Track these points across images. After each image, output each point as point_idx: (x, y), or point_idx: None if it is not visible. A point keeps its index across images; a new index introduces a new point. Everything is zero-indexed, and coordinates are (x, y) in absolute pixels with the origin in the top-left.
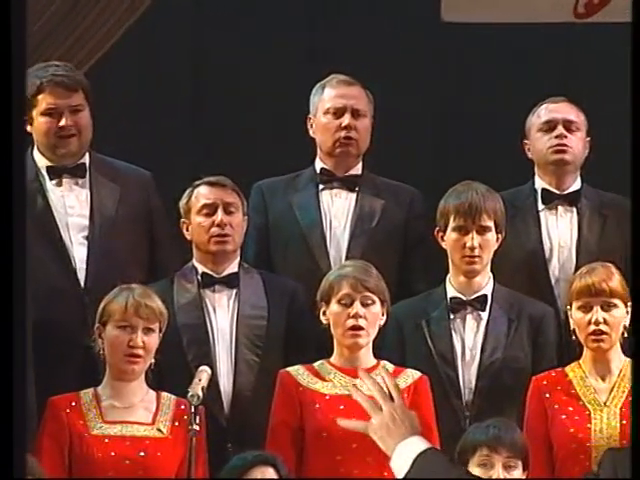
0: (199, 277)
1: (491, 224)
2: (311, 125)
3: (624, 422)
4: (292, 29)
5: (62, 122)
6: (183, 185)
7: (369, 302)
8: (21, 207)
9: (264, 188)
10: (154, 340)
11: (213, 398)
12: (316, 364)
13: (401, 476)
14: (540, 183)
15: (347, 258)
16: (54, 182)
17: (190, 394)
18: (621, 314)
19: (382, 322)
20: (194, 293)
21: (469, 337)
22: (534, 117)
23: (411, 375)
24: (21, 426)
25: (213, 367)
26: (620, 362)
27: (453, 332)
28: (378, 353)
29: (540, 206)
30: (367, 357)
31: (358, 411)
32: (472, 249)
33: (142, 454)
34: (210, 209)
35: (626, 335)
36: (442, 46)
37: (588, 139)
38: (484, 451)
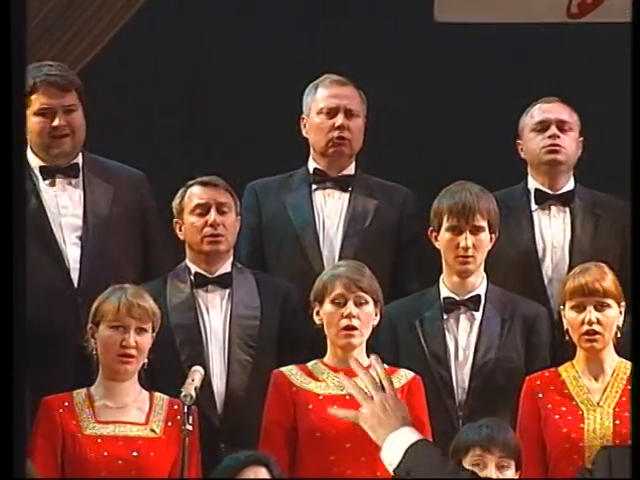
0: (192, 277)
1: (485, 224)
2: (304, 125)
3: (617, 422)
4: (289, 29)
5: (55, 122)
6: (176, 185)
7: (362, 302)
8: (21, 207)
9: (257, 188)
10: (147, 340)
11: (206, 398)
12: (309, 364)
13: (392, 467)
14: (533, 183)
15: (340, 258)
16: (47, 182)
17: (183, 394)
18: (614, 314)
19: (375, 322)
20: (187, 293)
21: (462, 337)
22: (527, 117)
23: (404, 375)
24: (21, 426)
25: (206, 367)
26: (613, 362)
27: (446, 332)
28: (372, 353)
29: (533, 206)
30: (361, 357)
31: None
32: (466, 249)
33: (135, 454)
34: (203, 209)
35: (619, 335)
36: (435, 46)
37: (581, 139)
38: (477, 451)
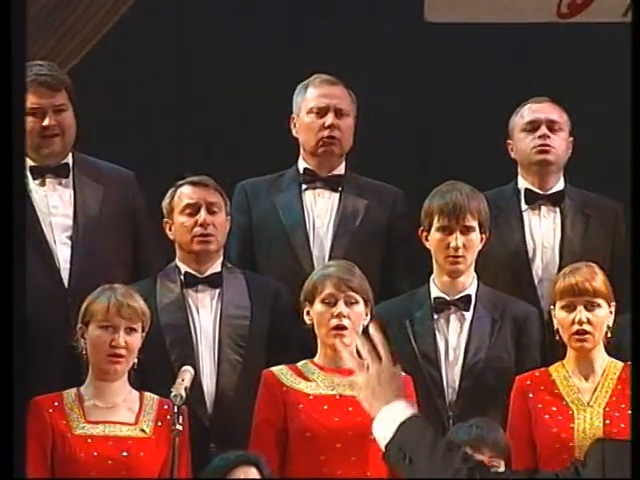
0: (182, 277)
1: (475, 224)
2: (294, 125)
3: (607, 422)
4: (279, 30)
5: (45, 122)
6: (166, 185)
7: (353, 302)
8: (21, 207)
9: (247, 188)
10: (136, 340)
11: (196, 398)
12: (300, 364)
13: (384, 442)
14: (523, 183)
15: (330, 258)
16: (37, 182)
17: (173, 394)
18: (604, 314)
19: (366, 322)
20: (177, 293)
21: (453, 337)
22: (517, 117)
23: None
24: (21, 426)
25: (196, 367)
26: (604, 362)
27: (437, 332)
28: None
29: (523, 206)
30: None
31: (342, 411)
32: (456, 249)
33: (125, 454)
34: (193, 209)
35: (609, 335)
36: (425, 46)
37: (571, 139)
38: (467, 451)
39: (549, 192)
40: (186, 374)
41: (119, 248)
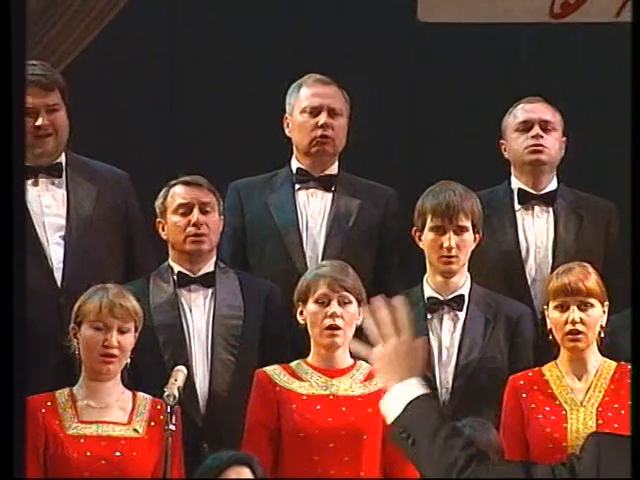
0: (175, 277)
1: (468, 224)
2: (287, 124)
3: (601, 422)
4: (273, 29)
5: (38, 122)
6: (159, 185)
7: (346, 302)
8: (21, 207)
9: (240, 188)
10: (129, 340)
11: (189, 398)
12: (293, 364)
13: (390, 419)
14: (516, 183)
15: (323, 258)
16: (30, 182)
17: (166, 394)
18: (598, 314)
19: (359, 322)
20: (170, 293)
21: (446, 337)
22: (510, 117)
23: None
24: (21, 426)
25: (189, 367)
26: (597, 362)
27: (430, 332)
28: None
29: (516, 206)
30: (344, 357)
31: (335, 411)
32: (449, 249)
33: (118, 454)
34: (186, 209)
35: (603, 335)
36: (418, 46)
37: (564, 139)
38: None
39: (542, 192)
40: (179, 374)
41: (112, 248)
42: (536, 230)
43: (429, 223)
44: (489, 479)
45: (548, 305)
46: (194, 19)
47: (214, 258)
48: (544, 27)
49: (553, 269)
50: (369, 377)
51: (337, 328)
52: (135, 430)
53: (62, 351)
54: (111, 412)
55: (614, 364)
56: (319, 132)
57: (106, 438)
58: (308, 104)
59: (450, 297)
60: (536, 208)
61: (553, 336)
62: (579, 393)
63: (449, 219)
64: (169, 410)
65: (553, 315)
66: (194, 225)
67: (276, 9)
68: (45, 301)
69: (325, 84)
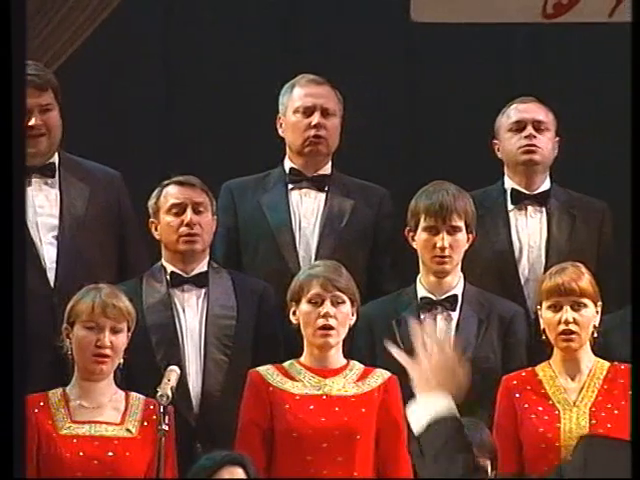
0: (168, 277)
1: (462, 224)
2: (280, 125)
3: (594, 422)
4: (266, 29)
5: (31, 121)
6: (152, 185)
7: (339, 302)
8: (21, 207)
9: (233, 188)
10: (122, 340)
11: (182, 398)
12: (286, 364)
13: (414, 431)
14: (510, 183)
15: (316, 258)
16: None
17: (159, 394)
18: (591, 314)
19: (352, 322)
20: (163, 293)
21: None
22: (503, 117)
23: (381, 375)
24: (21, 426)
25: (182, 367)
26: (590, 362)
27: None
28: (349, 352)
29: (510, 206)
30: (337, 357)
31: (328, 411)
32: (442, 249)
33: (111, 454)
34: (179, 209)
35: (596, 335)
36: (412, 46)
37: (557, 139)
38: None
39: (535, 192)
40: (172, 374)
41: (105, 248)
42: (529, 230)
43: (422, 223)
44: None
45: (541, 305)
46: (189, 18)
47: (207, 258)
48: (540, 27)
49: (546, 269)
50: (362, 377)
51: (330, 328)
52: (128, 430)
53: (55, 351)
54: (104, 412)
55: (607, 364)
56: (312, 132)
57: (99, 438)
58: (301, 104)
59: (443, 297)
60: (529, 208)
61: (546, 336)
62: (572, 393)
63: (442, 219)
64: (162, 410)
65: (546, 315)
66: (187, 225)
67: (270, 9)
68: (38, 301)
69: (318, 84)
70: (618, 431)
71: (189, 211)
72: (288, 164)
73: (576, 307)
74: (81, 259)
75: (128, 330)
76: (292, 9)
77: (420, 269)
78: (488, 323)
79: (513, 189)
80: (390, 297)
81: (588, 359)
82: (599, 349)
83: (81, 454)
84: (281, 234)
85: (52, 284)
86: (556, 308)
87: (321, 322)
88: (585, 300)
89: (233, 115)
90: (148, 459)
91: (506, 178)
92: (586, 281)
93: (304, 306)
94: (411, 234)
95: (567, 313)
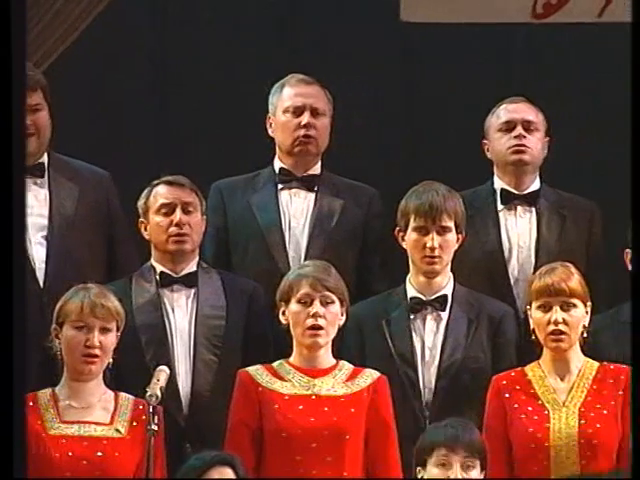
0: (157, 277)
1: (451, 224)
2: (270, 124)
3: (583, 422)
4: (257, 29)
5: None
6: (142, 185)
7: (329, 302)
8: (21, 207)
9: (222, 188)
10: (111, 340)
11: (171, 398)
12: (275, 364)
13: None
14: (499, 183)
15: (306, 258)
16: None
17: (149, 394)
18: (580, 314)
19: (341, 322)
20: (152, 293)
21: (429, 337)
22: (493, 117)
23: (370, 375)
24: (21, 426)
25: (172, 367)
26: (579, 362)
27: (413, 332)
28: (338, 352)
29: (499, 206)
30: (326, 357)
31: (318, 411)
32: (432, 249)
33: (100, 454)
34: (168, 209)
35: (585, 335)
36: (401, 46)
37: (547, 139)
38: (442, 451)
39: (525, 192)
40: (161, 374)
41: (94, 248)
42: (519, 230)
43: (412, 223)
44: None
45: (531, 305)
46: (180, 20)
47: (196, 258)
48: (527, 27)
49: (536, 269)
50: (351, 377)
51: (319, 328)
52: (117, 430)
53: (44, 351)
54: (93, 412)
55: (596, 364)
56: (302, 132)
57: (88, 438)
58: (291, 104)
59: (433, 297)
60: (519, 208)
61: (536, 336)
62: (562, 393)
63: (432, 219)
64: (151, 410)
65: (536, 315)
66: (176, 225)
67: (260, 9)
68: (28, 301)
69: (308, 84)
70: (607, 431)
71: (178, 211)
72: (278, 164)
73: (565, 307)
74: (70, 259)
75: (117, 330)
76: (282, 9)
77: (410, 269)
78: (478, 323)
79: (503, 189)
80: (380, 297)
81: (577, 359)
82: (588, 349)
83: (70, 454)
84: (271, 234)
85: (41, 284)
86: (546, 308)
87: (310, 322)
88: (574, 300)
89: (223, 115)
90: (137, 459)
91: (496, 178)
92: (576, 281)
93: (293, 306)
94: (401, 234)
95: (557, 313)
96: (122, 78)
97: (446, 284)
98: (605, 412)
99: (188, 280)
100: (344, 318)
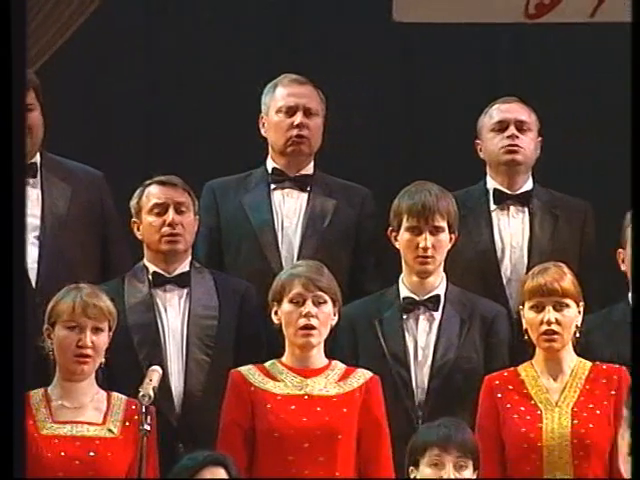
0: (150, 277)
1: (444, 224)
2: (263, 124)
3: (576, 422)
4: (249, 29)
5: None
6: (134, 185)
7: (321, 301)
8: (21, 206)
9: (215, 188)
10: (103, 340)
11: (164, 398)
12: (267, 364)
13: None
14: (492, 183)
15: (299, 258)
16: None
17: (141, 394)
18: (573, 314)
19: (334, 322)
20: (145, 293)
21: (422, 337)
22: (486, 117)
23: (362, 375)
24: (21, 426)
25: (164, 367)
26: (572, 362)
27: (406, 332)
28: (331, 352)
29: (492, 206)
30: (319, 357)
31: (310, 411)
32: (425, 249)
33: (92, 454)
34: (161, 209)
35: (578, 335)
36: (393, 46)
37: (540, 139)
38: (435, 451)
39: (517, 192)
40: (154, 374)
41: (87, 248)
42: (511, 230)
43: (405, 223)
44: None
45: (524, 305)
46: (170, 19)
47: (189, 258)
48: (519, 27)
49: (528, 269)
50: (344, 377)
51: (312, 328)
52: (110, 430)
53: (37, 351)
54: (85, 412)
55: (589, 364)
56: (295, 132)
57: (80, 438)
58: (284, 104)
59: (426, 297)
60: (511, 208)
61: (528, 336)
62: (554, 393)
63: (425, 219)
64: (144, 410)
65: (528, 315)
66: (169, 225)
67: (251, 9)
68: None
69: (300, 84)
70: (600, 431)
71: (171, 211)
72: (270, 164)
73: (558, 307)
74: (63, 259)
75: (109, 330)
76: (274, 9)
77: (403, 269)
78: (470, 323)
79: (495, 189)
80: (372, 297)
81: (570, 359)
82: (581, 349)
83: (63, 454)
84: (263, 234)
85: (34, 284)
86: (538, 308)
87: (302, 322)
88: (567, 300)
89: (215, 115)
90: (130, 459)
91: (488, 178)
92: (568, 281)
93: (286, 306)
94: (394, 234)
95: (549, 313)
96: (115, 78)
97: (439, 284)
98: (598, 412)
99: (181, 280)
100: (336, 318)
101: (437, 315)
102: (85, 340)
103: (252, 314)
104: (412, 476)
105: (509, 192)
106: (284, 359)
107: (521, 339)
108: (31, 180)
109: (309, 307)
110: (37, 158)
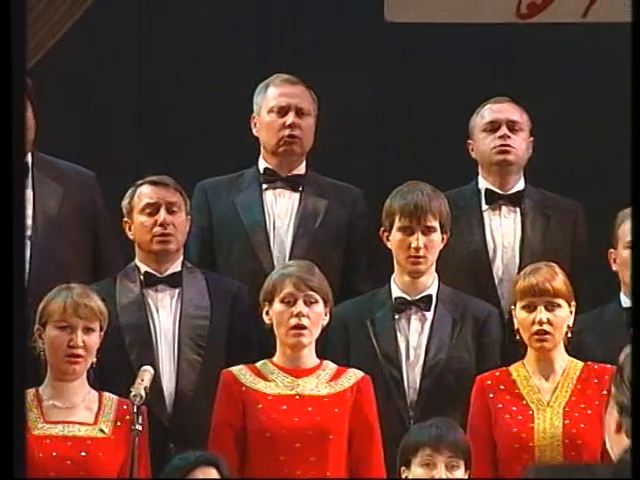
0: (142, 277)
1: (436, 224)
2: (255, 124)
3: (567, 422)
4: (241, 28)
5: None
6: (126, 185)
7: (312, 301)
8: (21, 207)
9: (207, 188)
10: (94, 340)
11: (156, 398)
12: (259, 364)
13: None
14: (484, 183)
15: (291, 258)
16: None
17: (133, 394)
18: (565, 314)
19: (325, 322)
20: (137, 293)
21: (414, 337)
22: (478, 117)
23: (354, 375)
24: (21, 426)
25: (156, 367)
26: (564, 362)
27: (398, 332)
28: (323, 352)
29: (484, 206)
30: (310, 357)
31: (301, 411)
32: (417, 249)
33: (84, 454)
34: (153, 208)
35: (569, 335)
36: (386, 46)
37: (531, 139)
38: (426, 451)
39: (509, 192)
40: (146, 374)
41: (79, 248)
42: (503, 230)
43: (397, 223)
44: None
45: (515, 305)
46: (162, 19)
47: (181, 258)
48: (511, 27)
49: (520, 269)
50: (335, 377)
51: (303, 327)
52: (101, 430)
53: (28, 352)
54: (77, 412)
55: (581, 364)
56: (286, 132)
57: (72, 438)
58: (275, 104)
59: (418, 297)
60: (503, 208)
61: (520, 336)
62: (546, 393)
63: (417, 219)
64: (135, 410)
65: (520, 315)
66: (161, 225)
67: (244, 9)
68: None
69: (292, 84)
70: (591, 431)
71: (163, 211)
72: (262, 164)
73: (550, 307)
74: (54, 259)
75: (101, 330)
76: (267, 9)
77: (394, 269)
78: (462, 323)
79: (487, 189)
80: (364, 297)
81: (562, 359)
82: (573, 349)
83: (54, 454)
84: (255, 234)
85: (25, 284)
86: (530, 308)
87: (294, 322)
88: (559, 300)
89: (207, 115)
90: (121, 459)
91: (480, 178)
92: (560, 281)
93: (277, 306)
94: (386, 234)
95: (541, 313)
96: (106, 78)
97: (431, 284)
98: (589, 412)
99: (172, 280)
100: (328, 318)
101: (429, 315)
102: (76, 340)
103: (244, 314)
104: (404, 476)
105: (501, 192)
106: (275, 359)
107: (513, 339)
108: None
109: (300, 307)
110: (28, 158)
